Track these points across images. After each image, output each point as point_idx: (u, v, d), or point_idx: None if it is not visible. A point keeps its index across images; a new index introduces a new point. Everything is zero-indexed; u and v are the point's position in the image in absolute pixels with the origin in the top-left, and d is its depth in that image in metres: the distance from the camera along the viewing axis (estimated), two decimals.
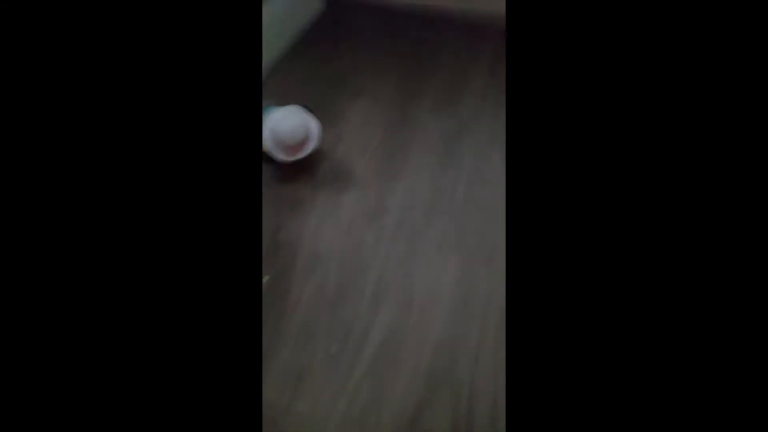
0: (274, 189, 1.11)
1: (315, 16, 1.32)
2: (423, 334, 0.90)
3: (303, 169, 1.14)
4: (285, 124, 1.01)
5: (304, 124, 1.03)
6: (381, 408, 0.85)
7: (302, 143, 1.02)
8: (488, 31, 1.31)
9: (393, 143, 1.15)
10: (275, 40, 1.20)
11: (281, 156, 1.03)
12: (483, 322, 0.91)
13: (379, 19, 1.37)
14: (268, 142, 1.02)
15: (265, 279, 1.00)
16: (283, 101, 1.18)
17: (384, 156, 1.13)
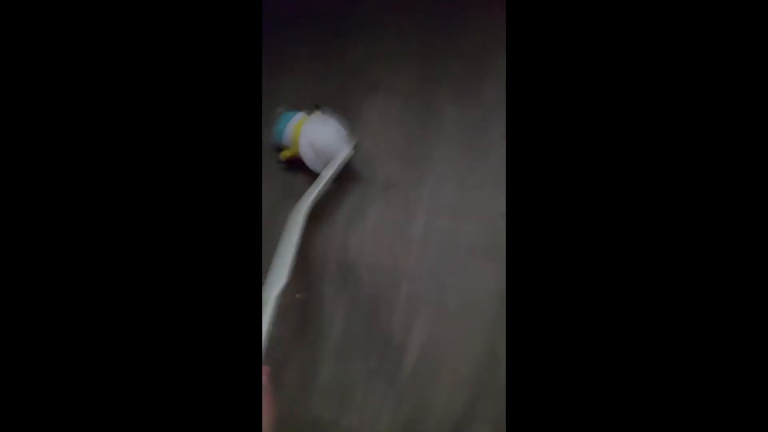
0: (296, 200, 1.10)
1: None
2: (462, 345, 0.91)
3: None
4: (325, 135, 1.02)
5: (341, 130, 1.04)
6: (425, 420, 0.88)
7: (340, 152, 1.02)
8: None
9: (415, 140, 1.09)
10: None
11: (321, 168, 1.03)
12: None
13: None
14: (307, 154, 1.02)
15: (299, 296, 1.01)
16: (295, 103, 1.13)
17: (407, 155, 1.09)
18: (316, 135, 1.03)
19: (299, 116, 1.07)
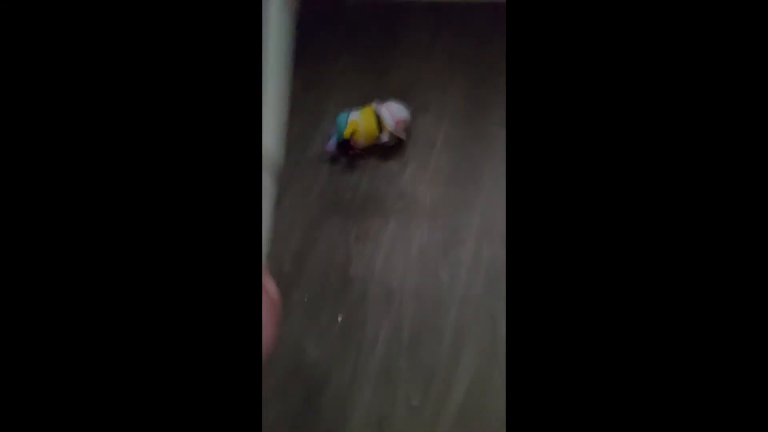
0: (341, 218, 1.07)
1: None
2: None
3: (369, 196, 1.08)
4: (396, 104, 1.10)
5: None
6: None
7: (405, 121, 1.09)
8: None
9: (464, 163, 1.06)
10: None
11: (394, 126, 1.09)
12: None
13: (437, 16, 1.25)
14: (385, 116, 1.08)
15: (339, 319, 0.96)
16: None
17: (455, 178, 1.05)
18: (393, 106, 1.08)
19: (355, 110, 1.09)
